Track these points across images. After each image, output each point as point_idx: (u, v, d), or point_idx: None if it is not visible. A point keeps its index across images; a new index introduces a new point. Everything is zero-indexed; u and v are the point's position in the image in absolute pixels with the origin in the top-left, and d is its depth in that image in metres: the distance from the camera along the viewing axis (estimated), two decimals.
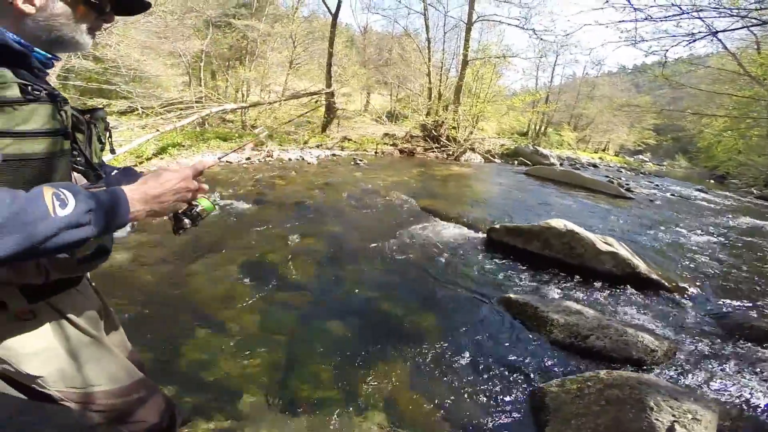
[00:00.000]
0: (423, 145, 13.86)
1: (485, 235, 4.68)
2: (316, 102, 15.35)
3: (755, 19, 4.12)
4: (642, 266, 3.75)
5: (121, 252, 3.27)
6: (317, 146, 11.68)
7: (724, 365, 2.56)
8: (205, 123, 11.10)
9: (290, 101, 14.29)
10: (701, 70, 9.16)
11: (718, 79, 10.50)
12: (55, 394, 0.95)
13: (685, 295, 3.65)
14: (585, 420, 1.79)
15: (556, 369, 2.40)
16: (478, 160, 13.94)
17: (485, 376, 2.26)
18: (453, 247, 4.36)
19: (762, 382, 2.40)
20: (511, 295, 3.17)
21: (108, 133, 1.03)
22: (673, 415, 1.72)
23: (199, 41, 12.51)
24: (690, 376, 2.44)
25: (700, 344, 2.81)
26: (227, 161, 7.97)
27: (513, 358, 2.47)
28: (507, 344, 2.62)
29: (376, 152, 12.46)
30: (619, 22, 4.54)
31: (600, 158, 25.63)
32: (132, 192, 0.79)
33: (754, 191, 14.60)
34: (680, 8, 3.93)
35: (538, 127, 28.40)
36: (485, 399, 2.08)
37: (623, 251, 3.85)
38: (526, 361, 2.45)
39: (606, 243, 3.93)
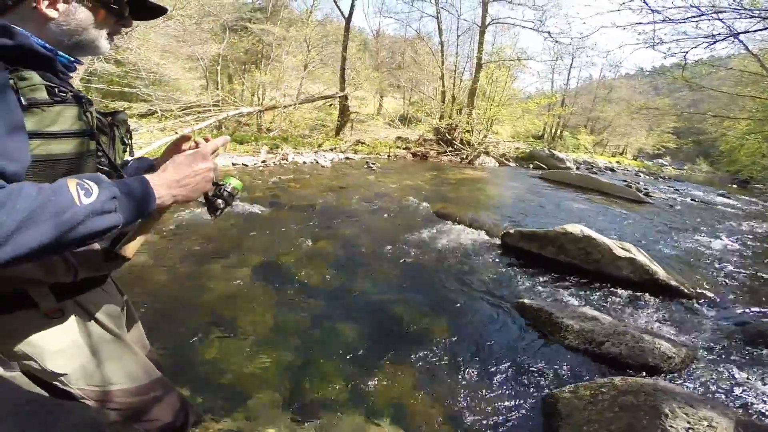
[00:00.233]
0: (436, 149, 13.83)
1: (499, 240, 4.64)
2: (330, 105, 15.48)
3: None
4: (661, 272, 3.68)
5: (139, 253, 3.34)
6: (331, 149, 11.77)
7: (743, 373, 2.49)
8: (221, 126, 11.30)
9: (305, 105, 14.44)
10: (722, 71, 8.96)
11: (741, 81, 10.23)
12: (76, 392, 0.96)
13: (705, 302, 3.56)
14: (597, 426, 1.76)
15: (569, 375, 2.37)
16: (493, 164, 13.84)
17: (497, 381, 2.24)
18: (466, 251, 4.34)
19: None
20: (526, 301, 3.14)
21: (129, 135, 1.04)
22: (688, 422, 1.68)
23: (216, 45, 12.77)
24: (707, 383, 2.37)
25: (718, 352, 2.74)
26: (243, 164, 8.11)
27: (526, 363, 2.44)
28: (520, 350, 2.59)
29: (389, 156, 12.49)
30: (637, 24, 4.47)
31: (618, 162, 25.16)
32: (153, 179, 0.80)
33: None
34: (699, 10, 3.86)
35: (553, 131, 28.05)
36: (496, 404, 2.06)
37: (641, 257, 3.78)
38: (539, 367, 2.42)
39: (623, 249, 3.86)
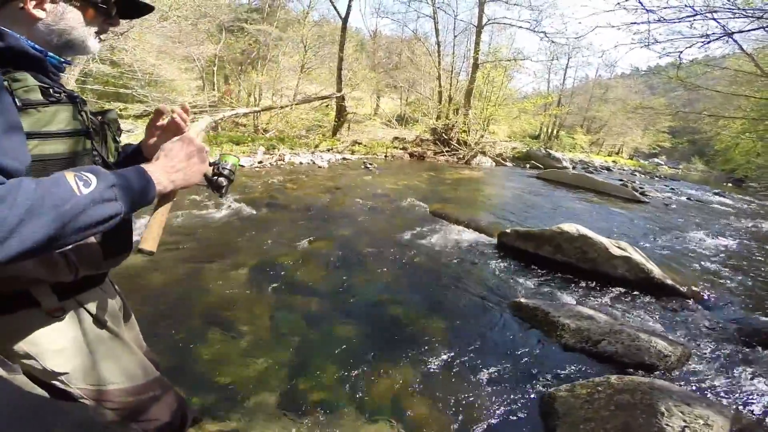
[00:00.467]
0: (433, 149, 13.84)
1: (496, 240, 4.65)
2: (327, 106, 15.48)
3: None
4: (656, 271, 3.70)
5: (135, 254, 3.34)
6: (328, 150, 11.77)
7: (739, 371, 2.50)
8: (218, 127, 11.27)
9: (301, 105, 14.43)
10: (717, 71, 9.01)
11: (735, 81, 10.29)
12: (75, 392, 0.96)
13: (701, 301, 3.59)
14: (594, 425, 1.77)
15: (566, 374, 2.38)
16: (489, 164, 13.87)
17: (494, 381, 2.25)
18: (463, 251, 4.35)
19: None
20: (522, 300, 3.15)
21: (119, 133, 1.05)
22: (684, 420, 1.69)
23: (212, 46, 12.74)
24: (703, 381, 2.39)
25: (714, 350, 2.75)
26: (240, 164, 8.07)
27: (522, 362, 2.45)
28: (517, 349, 2.60)
29: (386, 156, 12.49)
30: (632, 23, 4.50)
31: (614, 161, 25.28)
32: (149, 167, 0.80)
33: None
34: (693, 9, 3.88)
35: (550, 130, 28.16)
36: (493, 403, 2.07)
37: (637, 256, 3.80)
38: (536, 365, 2.43)
39: (619, 247, 3.88)
